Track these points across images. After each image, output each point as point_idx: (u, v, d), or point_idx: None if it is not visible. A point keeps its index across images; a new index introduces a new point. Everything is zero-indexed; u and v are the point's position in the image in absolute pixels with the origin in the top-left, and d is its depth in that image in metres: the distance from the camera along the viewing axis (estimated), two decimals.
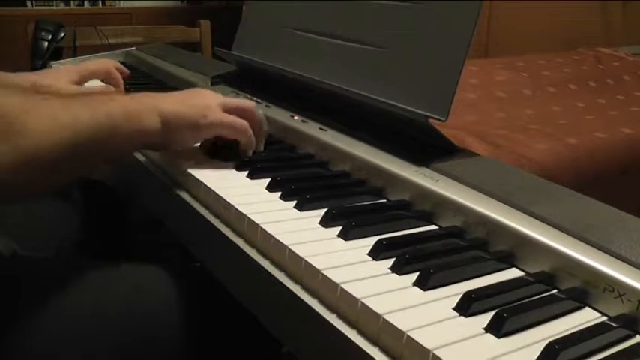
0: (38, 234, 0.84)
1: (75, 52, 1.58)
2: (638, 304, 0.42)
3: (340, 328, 0.42)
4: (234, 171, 0.67)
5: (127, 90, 1.04)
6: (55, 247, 0.85)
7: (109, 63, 1.03)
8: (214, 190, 0.60)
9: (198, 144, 0.71)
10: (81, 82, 0.98)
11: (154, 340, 0.64)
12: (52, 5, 2.74)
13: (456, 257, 0.50)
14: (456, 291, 0.44)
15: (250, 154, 0.70)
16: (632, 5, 2.45)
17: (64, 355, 0.59)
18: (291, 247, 0.49)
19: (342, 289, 0.43)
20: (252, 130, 0.69)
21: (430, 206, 0.58)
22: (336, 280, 0.44)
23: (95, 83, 1.04)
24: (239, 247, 0.54)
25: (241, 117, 0.68)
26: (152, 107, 0.63)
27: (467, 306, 0.42)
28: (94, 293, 0.64)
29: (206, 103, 0.67)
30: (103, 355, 0.61)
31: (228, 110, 0.68)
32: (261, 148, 0.72)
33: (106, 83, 1.03)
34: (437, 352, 0.37)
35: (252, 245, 0.53)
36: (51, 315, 0.60)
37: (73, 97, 0.59)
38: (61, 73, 0.96)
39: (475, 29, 0.63)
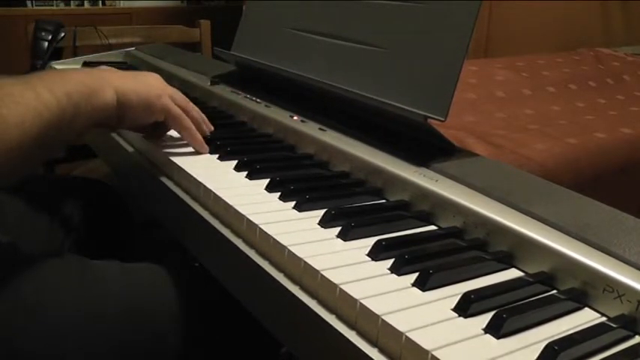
0: (38, 233, 0.84)
1: (75, 52, 1.58)
2: (638, 305, 0.42)
3: (339, 329, 0.42)
4: (233, 171, 0.67)
5: None
6: (55, 246, 0.85)
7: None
8: (214, 190, 0.59)
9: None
10: None
11: (154, 339, 0.64)
12: (52, 5, 2.74)
13: (456, 258, 0.50)
14: (455, 292, 0.44)
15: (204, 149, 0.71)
16: (632, 5, 2.45)
17: (63, 355, 0.59)
18: (290, 248, 0.49)
19: (341, 290, 0.43)
20: (196, 125, 0.72)
21: (429, 206, 0.57)
22: (335, 280, 0.44)
23: None
24: (238, 248, 0.54)
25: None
26: (108, 83, 0.64)
27: (466, 307, 0.42)
28: (94, 293, 0.64)
29: (158, 85, 0.69)
30: (103, 355, 0.61)
31: (175, 102, 0.70)
32: (207, 130, 0.74)
33: None
34: (436, 353, 0.37)
35: (252, 246, 0.53)
36: (51, 315, 0.60)
37: (29, 78, 0.57)
38: None
39: (474, 29, 0.63)
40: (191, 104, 0.73)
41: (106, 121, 0.65)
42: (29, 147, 0.53)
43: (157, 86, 0.69)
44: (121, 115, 0.66)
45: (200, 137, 0.71)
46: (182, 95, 0.73)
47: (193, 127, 0.71)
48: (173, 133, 0.76)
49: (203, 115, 0.75)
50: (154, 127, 0.73)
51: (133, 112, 0.67)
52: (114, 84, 0.64)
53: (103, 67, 1.02)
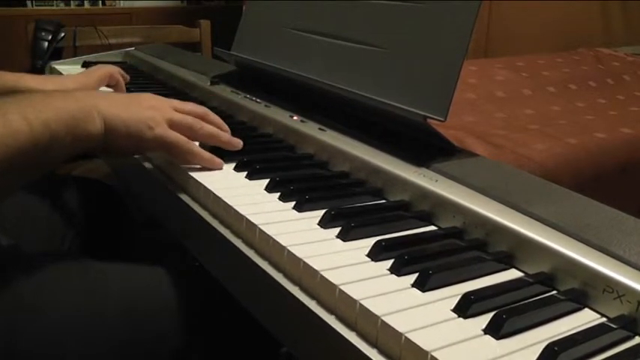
0: (38, 234, 0.84)
1: (75, 52, 1.58)
2: (638, 306, 0.42)
3: (339, 330, 0.42)
4: (233, 172, 0.67)
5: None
6: (55, 246, 0.86)
7: (112, 68, 1.02)
8: (213, 191, 0.59)
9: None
10: (99, 86, 0.97)
11: (154, 339, 0.64)
12: (52, 5, 2.74)
13: (455, 258, 0.50)
14: (455, 292, 0.44)
15: (217, 166, 0.67)
16: (632, 5, 2.45)
17: (63, 355, 0.59)
18: (289, 248, 0.49)
19: (341, 291, 0.43)
20: (208, 139, 0.67)
21: (429, 207, 0.57)
22: (335, 281, 0.44)
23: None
24: (238, 248, 0.54)
25: (188, 133, 0.66)
26: (95, 110, 0.60)
27: (466, 307, 0.42)
28: (94, 293, 0.64)
29: (152, 115, 0.64)
30: (102, 355, 0.61)
31: (174, 126, 0.65)
32: (238, 146, 0.69)
33: (111, 88, 1.03)
34: (435, 354, 0.37)
35: (251, 246, 0.53)
36: (50, 315, 0.60)
37: (5, 103, 0.54)
38: (66, 80, 0.96)
39: (474, 29, 0.63)
40: (208, 115, 0.68)
41: (89, 149, 0.62)
42: None
43: (149, 116, 0.63)
44: (108, 145, 0.62)
45: (208, 157, 0.66)
46: (190, 108, 0.68)
47: (195, 149, 0.65)
48: None
49: (225, 126, 0.70)
50: None
51: (120, 143, 0.62)
52: (103, 113, 0.60)
53: (101, 65, 1.03)
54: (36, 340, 0.58)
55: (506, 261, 0.50)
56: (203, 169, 0.66)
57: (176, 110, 0.67)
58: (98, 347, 0.61)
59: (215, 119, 0.70)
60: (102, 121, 0.60)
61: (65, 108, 0.57)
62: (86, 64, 1.29)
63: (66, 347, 0.59)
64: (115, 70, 1.02)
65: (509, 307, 0.43)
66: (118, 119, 0.61)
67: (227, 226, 0.57)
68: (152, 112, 0.64)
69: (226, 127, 0.71)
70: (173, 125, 0.65)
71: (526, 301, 0.45)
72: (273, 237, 0.50)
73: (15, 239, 0.75)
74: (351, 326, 0.42)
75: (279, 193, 0.60)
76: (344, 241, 0.52)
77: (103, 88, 1.03)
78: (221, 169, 0.67)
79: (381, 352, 0.40)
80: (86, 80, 0.94)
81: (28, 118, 0.53)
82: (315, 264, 0.46)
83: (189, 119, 0.67)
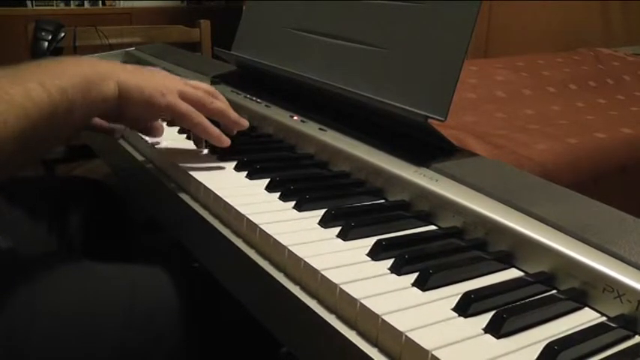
0: (38, 234, 0.84)
1: (75, 52, 1.58)
2: (638, 305, 0.42)
3: (339, 329, 0.42)
4: (233, 171, 0.67)
5: None
6: (54, 247, 0.85)
7: None
8: (214, 190, 0.60)
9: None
10: None
11: (154, 340, 0.64)
12: (52, 5, 2.74)
13: (456, 258, 0.50)
14: (455, 291, 0.44)
15: (217, 144, 0.67)
16: (632, 5, 2.45)
17: (63, 355, 0.59)
18: (290, 248, 0.49)
19: (341, 290, 0.43)
20: (217, 116, 0.68)
21: (429, 206, 0.57)
22: (335, 280, 0.44)
23: None
24: (238, 248, 0.54)
25: (198, 109, 0.66)
26: (111, 75, 0.61)
27: (466, 306, 0.42)
28: (94, 293, 0.64)
29: (165, 83, 0.65)
30: (102, 355, 0.61)
31: (185, 98, 0.66)
32: (245, 124, 0.70)
33: None
34: (436, 353, 0.37)
35: (252, 246, 0.53)
36: (51, 314, 0.60)
37: (19, 71, 0.54)
38: None
39: (474, 29, 0.63)
40: (208, 99, 0.68)
41: (105, 113, 0.63)
42: (13, 146, 0.50)
43: (162, 84, 0.65)
44: (122, 110, 0.63)
45: (215, 131, 0.67)
46: (201, 86, 0.69)
47: (205, 122, 0.66)
48: (173, 135, 0.76)
49: (229, 112, 0.69)
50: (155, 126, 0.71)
51: (134, 109, 0.63)
52: (117, 77, 0.61)
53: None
54: (35, 341, 0.58)
55: (506, 260, 0.50)
56: (204, 168, 0.66)
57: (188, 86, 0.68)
58: (98, 348, 0.61)
59: (224, 100, 0.71)
60: (116, 85, 0.61)
61: (80, 72, 0.58)
62: None
63: (65, 348, 0.59)
64: None
65: (509, 306, 0.43)
66: (133, 84, 0.62)
67: (227, 226, 0.57)
68: (165, 81, 0.66)
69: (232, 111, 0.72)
70: (184, 97, 0.66)
71: (526, 301, 0.45)
72: (274, 236, 0.50)
73: (14, 239, 0.75)
74: (351, 325, 0.43)
75: (279, 193, 0.60)
76: (344, 240, 0.52)
77: None
78: (228, 145, 0.68)
79: (382, 351, 0.40)
80: None
81: (45, 85, 0.53)
82: (315, 263, 0.46)
83: (200, 93, 0.68)
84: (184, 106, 0.65)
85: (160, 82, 0.65)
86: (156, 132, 0.73)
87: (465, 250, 0.51)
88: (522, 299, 0.45)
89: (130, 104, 0.62)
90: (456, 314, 0.42)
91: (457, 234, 0.54)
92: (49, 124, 0.53)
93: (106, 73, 0.60)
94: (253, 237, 0.53)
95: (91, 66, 0.60)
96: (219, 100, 0.70)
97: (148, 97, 0.63)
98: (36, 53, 1.46)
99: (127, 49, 1.38)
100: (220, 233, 0.56)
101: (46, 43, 1.47)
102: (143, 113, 0.66)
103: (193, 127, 0.67)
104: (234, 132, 0.70)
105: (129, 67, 0.66)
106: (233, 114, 0.70)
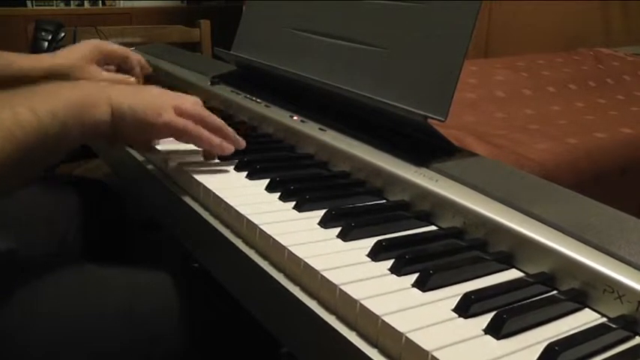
0: (38, 234, 0.84)
1: None
2: (638, 306, 0.42)
3: (339, 330, 0.42)
4: (233, 172, 0.67)
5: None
6: (54, 247, 0.85)
7: (129, 51, 1.02)
8: (214, 191, 0.59)
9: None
10: (103, 63, 0.96)
11: (154, 340, 0.64)
12: (52, 5, 2.74)
13: (456, 258, 0.50)
14: (455, 292, 0.44)
15: (220, 152, 0.67)
16: (632, 5, 2.45)
17: (63, 355, 0.59)
18: (290, 248, 0.49)
19: (341, 291, 0.43)
20: (215, 133, 0.67)
21: (429, 207, 0.57)
22: (335, 281, 0.44)
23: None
24: (238, 248, 0.54)
25: (196, 123, 0.66)
26: (104, 97, 0.60)
27: (466, 307, 0.42)
28: (94, 293, 0.64)
29: (161, 102, 0.64)
30: (102, 355, 0.61)
31: (182, 114, 0.65)
32: (242, 145, 0.69)
33: (120, 72, 1.01)
34: (436, 354, 0.37)
35: (252, 246, 0.53)
36: (51, 315, 0.60)
37: (10, 95, 0.54)
38: (83, 47, 0.94)
39: (474, 29, 0.63)
40: (206, 113, 0.68)
41: (101, 136, 0.62)
42: (1, 169, 0.50)
43: (156, 103, 0.64)
44: (117, 132, 0.62)
45: (217, 140, 0.66)
46: (194, 103, 0.68)
47: (205, 133, 0.65)
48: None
49: (227, 128, 0.69)
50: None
51: (128, 131, 0.63)
52: (110, 100, 0.61)
53: (88, 41, 1.00)
54: (35, 340, 0.58)
55: (506, 261, 0.50)
56: (203, 169, 0.66)
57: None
58: (97, 348, 0.61)
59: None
60: (109, 108, 0.60)
61: (72, 97, 0.58)
62: None
63: (65, 348, 0.59)
64: (131, 53, 1.01)
65: (509, 307, 0.43)
66: (126, 106, 0.61)
67: (227, 226, 0.57)
68: (160, 100, 0.65)
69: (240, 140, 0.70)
70: (182, 113, 0.65)
71: (526, 301, 0.45)
72: (274, 237, 0.50)
73: (14, 240, 0.75)
74: (351, 326, 0.42)
75: (279, 193, 0.60)
76: (344, 241, 0.52)
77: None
78: (232, 152, 0.67)
79: (382, 352, 0.40)
80: (69, 54, 0.93)
81: (35, 110, 0.53)
82: (315, 264, 0.46)
83: (198, 107, 0.67)
84: (182, 122, 0.64)
85: (153, 100, 0.64)
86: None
87: (465, 251, 0.51)
88: (523, 300, 0.45)
89: (125, 126, 0.62)
90: (456, 315, 0.42)
91: (457, 234, 0.54)
92: (39, 147, 0.53)
93: (99, 96, 0.60)
94: (253, 237, 0.53)
95: (82, 89, 0.60)
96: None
97: (142, 117, 0.62)
98: (36, 53, 1.45)
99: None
100: (220, 233, 0.56)
101: (46, 43, 1.47)
102: (140, 134, 0.65)
103: (194, 140, 0.66)
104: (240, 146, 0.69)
105: (123, 87, 0.65)
106: (231, 132, 0.69)
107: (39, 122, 0.53)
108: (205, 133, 0.66)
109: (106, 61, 0.97)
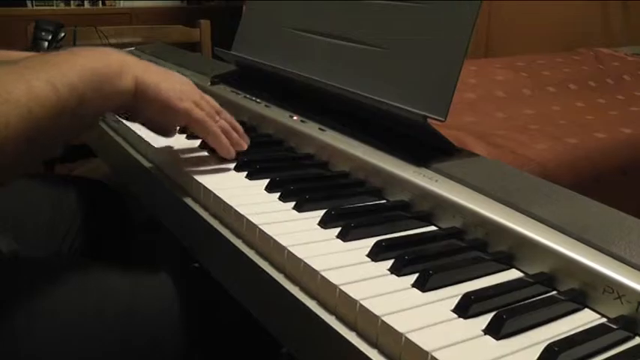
0: (38, 234, 0.84)
1: None
2: (638, 306, 0.42)
3: (339, 330, 0.42)
4: (233, 172, 0.67)
5: None
6: (55, 247, 0.86)
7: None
8: (214, 191, 0.59)
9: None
10: None
11: (154, 340, 0.64)
12: (52, 5, 2.73)
13: (456, 258, 0.50)
14: (455, 292, 0.44)
15: (230, 155, 0.68)
16: (632, 5, 2.45)
17: (63, 355, 0.59)
18: (290, 249, 0.49)
19: (341, 291, 0.43)
20: (226, 133, 0.67)
21: (429, 207, 0.57)
22: (335, 281, 0.44)
23: None
24: (238, 249, 0.54)
25: (212, 117, 0.66)
26: (130, 69, 0.58)
27: (466, 307, 0.42)
28: (94, 293, 0.64)
29: (184, 89, 0.64)
30: (102, 355, 0.61)
31: (200, 106, 0.66)
32: (245, 146, 0.70)
33: None
34: (435, 354, 0.37)
35: (252, 246, 0.53)
36: (51, 314, 0.60)
37: (25, 67, 0.50)
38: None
39: (474, 29, 0.63)
40: (222, 113, 0.69)
41: (121, 108, 0.61)
42: (15, 147, 0.47)
43: (180, 89, 0.63)
44: (137, 108, 0.61)
45: (226, 142, 0.67)
46: (211, 102, 0.68)
47: (219, 132, 0.66)
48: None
49: (237, 126, 0.70)
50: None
51: (150, 109, 0.62)
52: (136, 73, 0.59)
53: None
54: (35, 341, 0.58)
55: (506, 261, 0.50)
56: (204, 169, 0.66)
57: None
58: (97, 348, 0.61)
59: (230, 120, 0.71)
60: (134, 80, 0.58)
61: (91, 66, 0.55)
62: None
63: (65, 348, 0.59)
64: None
65: (509, 307, 0.43)
66: (151, 83, 0.60)
67: (227, 227, 0.57)
68: (185, 87, 0.65)
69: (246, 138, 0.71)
70: (199, 105, 0.65)
71: (526, 302, 0.45)
72: (274, 237, 0.50)
73: (14, 239, 0.75)
74: (351, 326, 0.42)
75: (279, 193, 0.60)
76: (344, 241, 0.52)
77: None
78: (235, 158, 0.68)
79: (382, 352, 0.40)
80: None
81: (53, 83, 0.50)
82: (315, 264, 0.46)
83: (214, 103, 0.68)
84: (201, 114, 0.65)
85: (177, 86, 0.64)
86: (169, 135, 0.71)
87: (464, 251, 0.51)
88: (522, 300, 0.45)
89: (147, 103, 0.60)
90: (455, 315, 0.42)
91: (457, 234, 0.54)
92: (56, 123, 0.51)
93: (123, 66, 0.58)
94: (253, 237, 0.53)
95: (107, 58, 0.57)
96: (225, 119, 0.69)
97: (165, 98, 0.61)
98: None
99: (127, 49, 1.38)
100: (220, 234, 0.56)
101: (46, 43, 1.47)
102: (159, 114, 0.64)
103: (207, 134, 0.66)
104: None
105: (146, 64, 0.63)
106: (235, 135, 0.69)
107: (57, 96, 0.50)
108: (219, 131, 0.66)
109: None
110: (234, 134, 0.69)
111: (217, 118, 0.68)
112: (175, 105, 0.62)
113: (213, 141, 0.66)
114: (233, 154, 0.68)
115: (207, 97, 0.69)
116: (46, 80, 0.49)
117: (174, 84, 0.63)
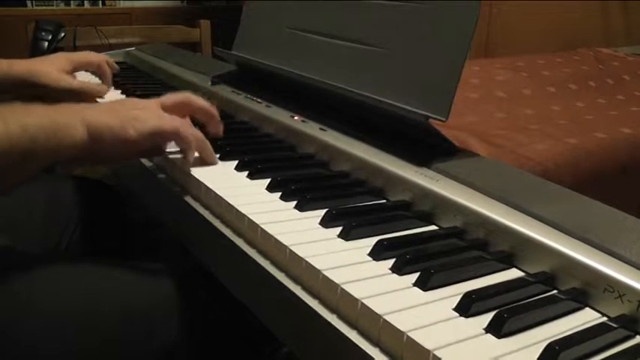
0: (38, 234, 0.84)
1: (75, 52, 1.58)
2: (639, 305, 0.42)
3: (340, 329, 0.42)
4: (234, 171, 0.67)
5: (117, 84, 1.06)
6: (54, 247, 0.86)
7: (101, 57, 1.06)
8: (215, 190, 0.60)
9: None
10: (73, 71, 1.00)
11: (153, 340, 0.64)
12: (52, 5, 2.73)
13: (456, 258, 0.50)
14: (456, 291, 0.44)
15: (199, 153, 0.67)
16: (632, 5, 2.46)
17: (60, 353, 0.59)
18: (291, 248, 0.49)
19: (343, 290, 0.43)
20: (199, 118, 0.69)
21: (430, 206, 0.58)
22: (337, 280, 0.44)
23: (86, 77, 1.09)
24: (239, 248, 0.54)
25: (184, 111, 0.67)
26: (78, 118, 0.58)
27: (467, 306, 0.42)
28: (93, 292, 0.64)
29: (137, 114, 0.63)
30: (100, 353, 0.61)
31: (167, 109, 0.65)
32: (220, 131, 0.71)
33: (96, 76, 1.08)
34: (437, 353, 0.37)
35: (253, 246, 0.53)
36: (49, 314, 0.60)
37: None
38: (56, 60, 0.98)
39: (475, 29, 0.63)
40: (192, 103, 0.69)
41: (78, 157, 0.60)
42: None
43: (132, 116, 0.62)
44: (95, 151, 0.60)
45: (210, 149, 0.67)
46: (172, 96, 0.68)
47: (190, 136, 0.65)
48: None
49: (212, 112, 0.71)
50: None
51: (108, 152, 0.61)
52: (87, 120, 0.59)
53: (87, 53, 1.05)
54: (31, 337, 0.58)
55: (506, 260, 0.50)
56: (204, 168, 0.66)
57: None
58: (95, 346, 0.61)
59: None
60: (85, 128, 0.58)
61: (46, 114, 0.56)
62: None
63: (64, 346, 0.59)
64: (103, 59, 1.05)
65: (510, 306, 0.43)
66: (103, 124, 0.60)
67: (228, 226, 0.57)
68: (137, 112, 0.63)
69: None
70: (167, 105, 0.66)
71: (527, 301, 0.45)
72: (275, 236, 0.50)
73: (14, 239, 0.75)
74: (352, 325, 0.43)
75: (280, 193, 0.60)
76: (345, 240, 0.52)
77: (86, 75, 1.08)
78: (215, 164, 0.68)
79: (383, 351, 0.40)
80: (60, 63, 0.96)
81: (5, 120, 0.52)
82: (316, 263, 0.46)
83: (180, 95, 0.69)
84: (168, 125, 0.64)
85: (131, 114, 0.62)
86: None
87: (465, 250, 0.52)
88: (523, 299, 0.45)
89: (103, 145, 0.60)
90: (457, 314, 0.42)
91: (458, 234, 0.54)
92: (4, 158, 0.52)
93: (74, 116, 0.58)
94: (254, 237, 0.53)
95: (58, 109, 0.58)
96: (197, 104, 0.70)
97: (119, 135, 0.60)
98: (36, 53, 1.45)
99: (127, 49, 1.38)
100: (221, 233, 0.56)
101: (46, 43, 1.47)
102: (120, 152, 0.63)
103: (183, 141, 0.65)
104: (221, 132, 0.72)
105: (100, 105, 0.64)
106: (214, 111, 0.71)
107: (7, 132, 0.51)
108: (187, 130, 0.65)
109: (78, 70, 1.02)
110: (214, 111, 0.71)
111: (195, 97, 0.69)
112: (131, 136, 0.61)
113: (189, 145, 0.66)
114: (216, 161, 0.68)
115: (170, 100, 0.68)
116: (1, 119, 0.51)
117: (126, 114, 0.62)
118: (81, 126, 0.58)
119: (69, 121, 0.57)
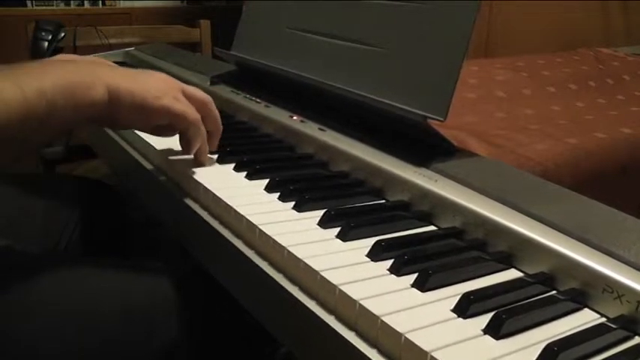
0: (37, 234, 0.84)
1: (75, 52, 1.58)
2: (638, 306, 0.42)
3: (338, 330, 0.42)
4: (233, 172, 0.67)
5: None
6: (53, 247, 0.86)
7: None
8: (213, 191, 0.59)
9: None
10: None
11: (153, 340, 0.64)
12: (52, 5, 2.73)
13: (455, 258, 0.50)
14: (454, 292, 0.44)
15: (197, 147, 0.66)
16: (632, 5, 2.45)
17: (61, 355, 0.59)
18: (289, 249, 0.49)
19: (341, 291, 0.43)
20: (207, 126, 0.66)
21: (429, 207, 0.57)
22: (335, 281, 0.44)
23: None
24: (238, 248, 0.54)
25: (198, 109, 0.65)
26: (99, 78, 0.57)
27: (465, 307, 0.42)
28: (93, 293, 0.64)
29: (160, 86, 0.62)
30: (100, 353, 0.61)
31: (188, 97, 0.64)
32: (214, 148, 0.69)
33: None
34: (435, 354, 0.37)
35: (251, 246, 0.53)
36: (48, 315, 0.60)
37: (1, 71, 0.50)
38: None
39: (474, 29, 0.63)
40: (209, 104, 0.67)
41: (96, 119, 0.59)
42: None
43: (157, 87, 0.61)
44: (114, 115, 0.59)
45: (205, 147, 0.66)
46: (196, 94, 0.66)
47: (202, 128, 0.65)
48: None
49: (220, 125, 0.69)
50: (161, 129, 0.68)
51: (127, 114, 0.60)
52: (107, 81, 0.57)
53: (94, 57, 1.02)
54: (30, 339, 0.58)
55: (505, 261, 0.50)
56: (203, 169, 0.66)
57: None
58: (96, 347, 0.61)
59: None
60: (105, 89, 0.57)
61: (63, 75, 0.54)
62: None
63: (64, 346, 0.59)
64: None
65: (508, 307, 0.43)
66: (123, 88, 0.58)
67: (227, 227, 0.57)
68: (159, 84, 0.63)
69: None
70: (187, 95, 0.64)
71: (526, 301, 0.45)
72: (273, 237, 0.50)
73: (13, 239, 0.75)
74: (350, 326, 0.42)
75: (278, 193, 0.60)
76: (343, 241, 0.52)
77: None
78: (205, 165, 0.67)
79: (381, 352, 0.40)
80: None
81: (21, 85, 0.50)
82: (314, 264, 0.46)
83: (200, 94, 0.66)
84: (182, 106, 0.63)
85: (154, 84, 0.62)
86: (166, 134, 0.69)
87: (464, 251, 0.51)
88: (522, 300, 0.45)
89: (121, 109, 0.59)
90: (455, 315, 0.42)
91: (457, 234, 0.54)
92: (22, 126, 0.50)
93: (95, 76, 0.57)
94: (253, 237, 0.53)
95: (77, 68, 0.57)
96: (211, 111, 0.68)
97: (140, 101, 0.60)
98: (36, 53, 1.46)
99: (127, 49, 1.38)
100: (220, 234, 0.56)
101: (46, 43, 1.47)
102: (137, 118, 0.62)
103: (191, 128, 0.64)
104: (214, 149, 0.69)
105: (121, 70, 0.63)
106: (221, 127, 0.69)
107: (25, 99, 0.50)
108: (202, 127, 0.65)
109: None
110: (220, 130, 0.69)
111: (212, 102, 0.67)
112: (151, 105, 0.60)
113: (194, 133, 0.64)
114: (207, 162, 0.67)
115: (191, 90, 0.67)
116: (16, 83, 0.49)
117: (148, 84, 0.61)
118: (102, 86, 0.57)
119: (90, 81, 0.56)
